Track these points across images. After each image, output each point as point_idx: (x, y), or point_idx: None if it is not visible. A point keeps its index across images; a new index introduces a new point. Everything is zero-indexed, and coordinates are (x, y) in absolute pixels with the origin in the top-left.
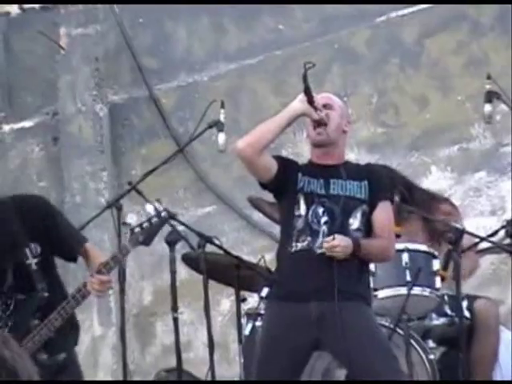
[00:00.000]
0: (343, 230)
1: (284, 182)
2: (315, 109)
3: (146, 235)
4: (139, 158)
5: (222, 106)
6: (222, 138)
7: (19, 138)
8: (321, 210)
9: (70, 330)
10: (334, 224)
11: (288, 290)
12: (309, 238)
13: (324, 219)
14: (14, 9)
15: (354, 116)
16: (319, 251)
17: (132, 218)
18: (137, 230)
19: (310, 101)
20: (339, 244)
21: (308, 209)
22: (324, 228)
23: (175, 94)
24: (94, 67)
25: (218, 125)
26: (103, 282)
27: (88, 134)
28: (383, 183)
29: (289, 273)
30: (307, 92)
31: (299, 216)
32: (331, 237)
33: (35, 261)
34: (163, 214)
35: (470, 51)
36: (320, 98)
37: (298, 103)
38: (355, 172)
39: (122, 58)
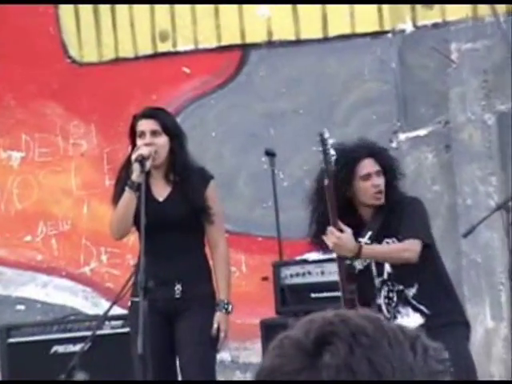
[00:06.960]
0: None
1: None
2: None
3: None
4: None
5: None
6: None
7: (414, 146)
8: None
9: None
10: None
11: None
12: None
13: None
14: (408, 26)
15: None
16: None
17: None
18: None
19: None
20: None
21: None
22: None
23: None
24: (482, 79)
25: None
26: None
27: (477, 141)
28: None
29: None
30: None
31: None
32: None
33: None
34: None
35: None
36: None
37: None
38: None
39: (508, 70)
